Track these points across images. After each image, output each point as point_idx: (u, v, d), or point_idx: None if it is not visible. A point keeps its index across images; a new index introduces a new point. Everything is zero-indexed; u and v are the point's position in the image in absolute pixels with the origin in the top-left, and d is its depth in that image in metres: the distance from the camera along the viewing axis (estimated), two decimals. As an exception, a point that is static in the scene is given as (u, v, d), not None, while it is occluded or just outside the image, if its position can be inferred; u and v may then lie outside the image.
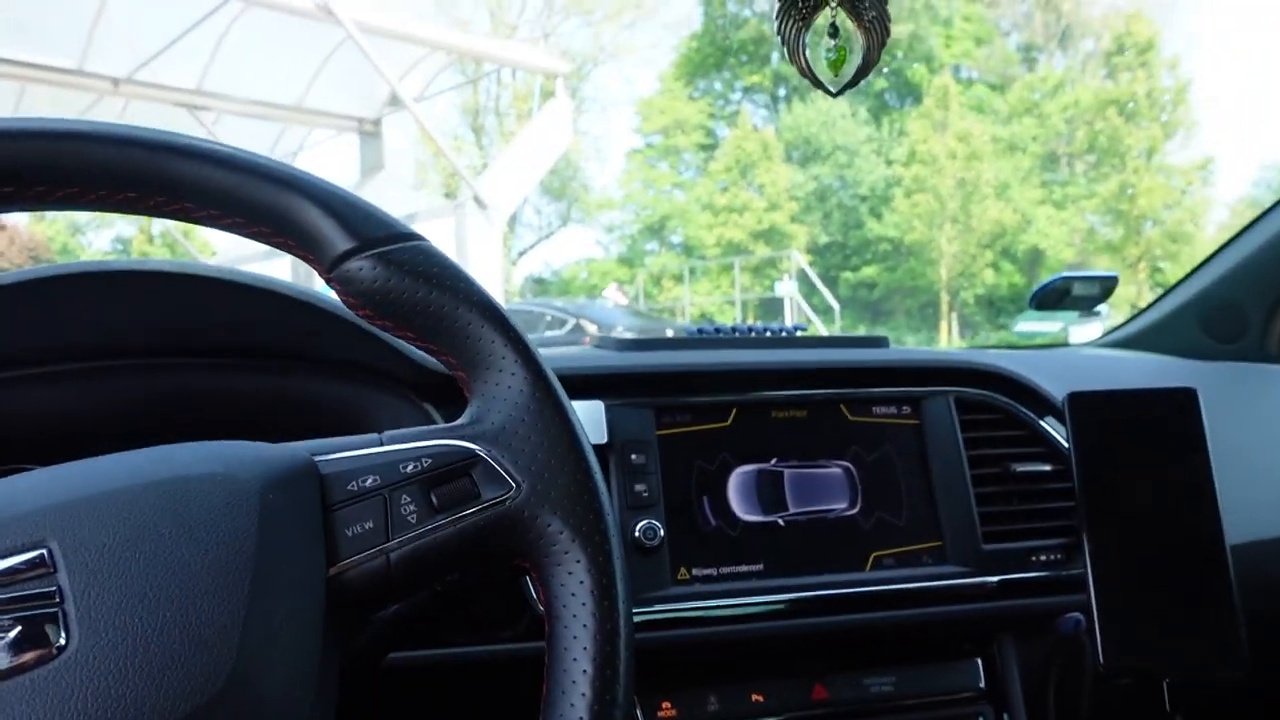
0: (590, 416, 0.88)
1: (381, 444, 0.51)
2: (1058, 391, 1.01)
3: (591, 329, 10.04)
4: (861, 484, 0.94)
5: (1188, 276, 1.48)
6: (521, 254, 27.68)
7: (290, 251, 0.51)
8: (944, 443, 0.97)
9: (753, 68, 26.72)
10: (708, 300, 21.26)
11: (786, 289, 14.91)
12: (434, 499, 0.49)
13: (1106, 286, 1.50)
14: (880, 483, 0.95)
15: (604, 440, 0.88)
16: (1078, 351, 1.48)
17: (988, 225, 20.97)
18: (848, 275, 23.61)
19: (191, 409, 0.84)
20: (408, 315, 0.52)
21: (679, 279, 20.15)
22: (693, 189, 25.50)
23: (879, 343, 1.09)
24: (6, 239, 22.34)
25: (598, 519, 0.51)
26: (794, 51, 0.73)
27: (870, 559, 0.93)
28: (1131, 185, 20.46)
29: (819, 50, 0.76)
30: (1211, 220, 22.48)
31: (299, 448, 0.49)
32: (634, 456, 0.89)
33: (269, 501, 0.44)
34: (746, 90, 27.41)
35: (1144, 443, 0.92)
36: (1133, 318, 1.57)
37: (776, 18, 0.72)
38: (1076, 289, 1.49)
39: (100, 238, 28.63)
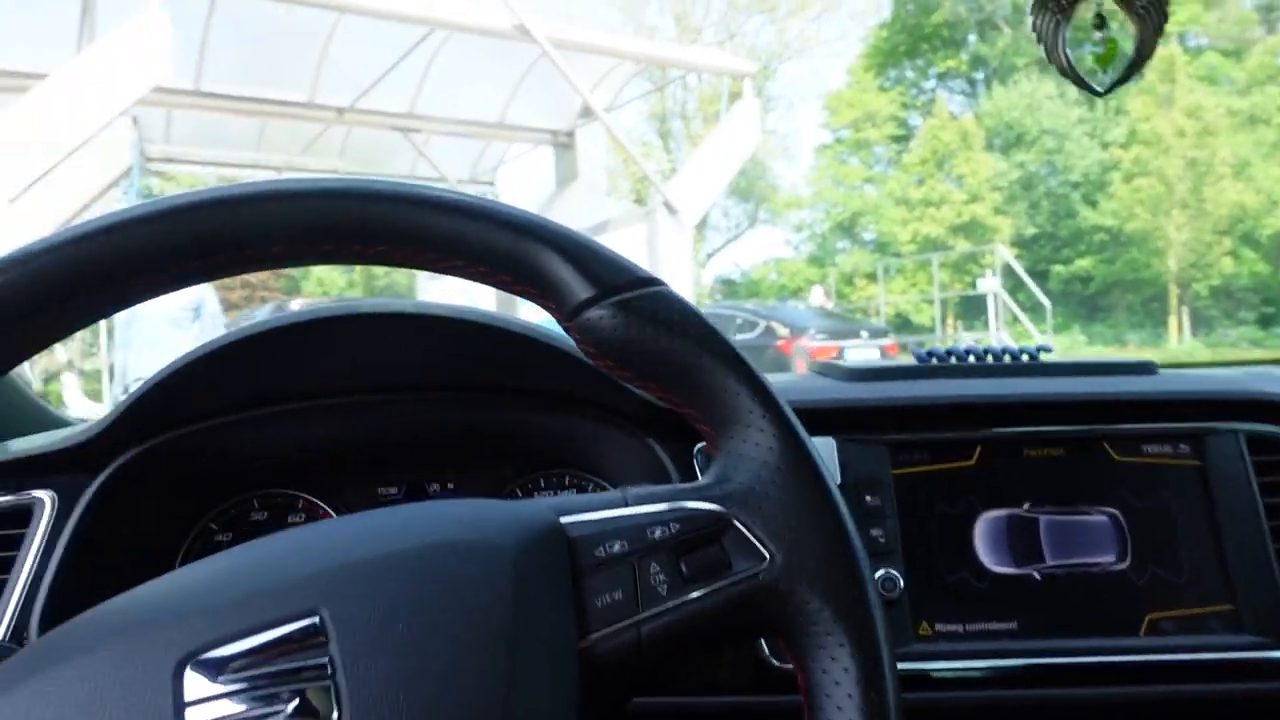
0: (824, 454, 0.82)
1: (626, 503, 0.49)
2: None
3: (783, 331, 9.90)
4: (1132, 534, 0.81)
5: None
6: (710, 256, 27.82)
7: (530, 299, 0.50)
8: (1234, 488, 0.82)
9: (947, 53, 25.44)
10: (903, 299, 20.43)
11: (989, 285, 14.03)
12: (684, 568, 0.47)
13: None
14: (1155, 533, 0.82)
15: (837, 480, 0.80)
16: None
17: (1225, 209, 18.81)
18: (1059, 269, 21.94)
19: (442, 441, 0.88)
20: (649, 365, 0.49)
21: (872, 278, 19.50)
22: (885, 183, 24.61)
23: (1146, 369, 0.94)
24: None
25: (861, 594, 0.46)
26: (1052, 49, 0.64)
27: (1145, 622, 0.80)
28: None
29: (1082, 45, 0.67)
30: None
31: (544, 507, 0.48)
32: (868, 498, 0.81)
33: (523, 568, 0.43)
34: (941, 77, 26.15)
35: None
36: None
37: (1032, 11, 0.63)
38: None
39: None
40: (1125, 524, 0.82)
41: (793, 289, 25.02)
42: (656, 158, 24.52)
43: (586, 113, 8.80)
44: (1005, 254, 14.87)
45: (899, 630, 0.79)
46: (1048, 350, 1.00)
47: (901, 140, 25.17)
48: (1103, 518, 0.82)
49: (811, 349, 9.31)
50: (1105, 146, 21.82)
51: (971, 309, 17.98)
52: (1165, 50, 20.14)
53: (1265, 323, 20.14)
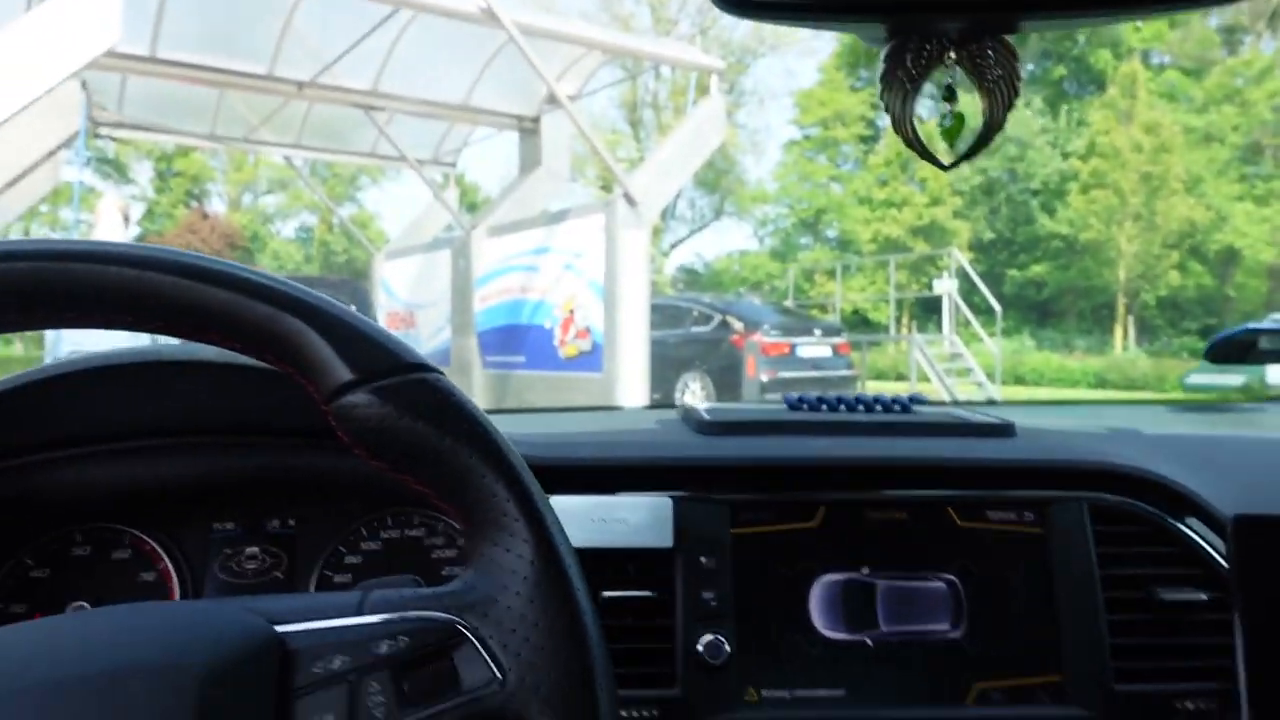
0: (656, 515, 0.79)
1: (361, 610, 0.45)
2: (1226, 494, 0.84)
3: (738, 326, 9.96)
4: (969, 602, 0.80)
5: None
6: (674, 246, 27.86)
7: (290, 378, 0.47)
8: (1074, 557, 0.81)
9: (918, 56, 25.63)
10: (861, 297, 20.64)
11: (945, 287, 14.21)
12: (406, 687, 0.42)
13: None
14: (992, 602, 0.80)
15: (669, 545, 0.79)
16: (1262, 417, 1.30)
17: (1175, 223, 19.28)
18: (1014, 273, 22.34)
19: (282, 478, 0.85)
20: (406, 457, 0.46)
21: (832, 275, 19.65)
22: (850, 182, 24.80)
23: (1004, 431, 0.92)
24: (209, 227, 24.61)
25: None
26: (900, 120, 0.65)
27: (973, 692, 0.78)
28: (1350, 180, 18.30)
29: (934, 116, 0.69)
30: None
31: (262, 614, 0.43)
32: (703, 559, 0.79)
33: (213, 694, 0.38)
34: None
35: None
36: None
37: (880, 80, 0.64)
38: (1264, 343, 1.26)
39: (286, 227, 31.03)
40: (963, 591, 0.80)
41: (754, 282, 25.15)
42: (626, 146, 24.46)
43: (553, 99, 8.75)
44: (961, 258, 15.07)
45: (724, 696, 0.77)
46: (921, 400, 1.02)
47: (869, 141, 25.38)
48: (940, 584, 0.80)
49: (764, 344, 9.39)
50: (1066, 157, 22.23)
51: (926, 310, 18.23)
52: (1129, 66, 20.51)
53: (1207, 334, 20.67)
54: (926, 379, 12.34)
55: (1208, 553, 0.83)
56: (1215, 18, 23.07)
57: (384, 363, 0.47)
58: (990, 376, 12.86)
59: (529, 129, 10.85)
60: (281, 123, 10.60)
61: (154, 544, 0.83)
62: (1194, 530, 0.84)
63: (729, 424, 0.91)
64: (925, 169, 22.86)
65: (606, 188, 18.01)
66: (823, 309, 18.49)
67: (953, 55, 0.61)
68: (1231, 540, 0.78)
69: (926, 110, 0.63)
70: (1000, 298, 16.76)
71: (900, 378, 14.09)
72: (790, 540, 0.81)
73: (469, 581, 0.46)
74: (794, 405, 1.01)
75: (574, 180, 21.63)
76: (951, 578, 0.81)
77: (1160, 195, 19.20)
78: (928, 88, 0.66)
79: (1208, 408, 1.38)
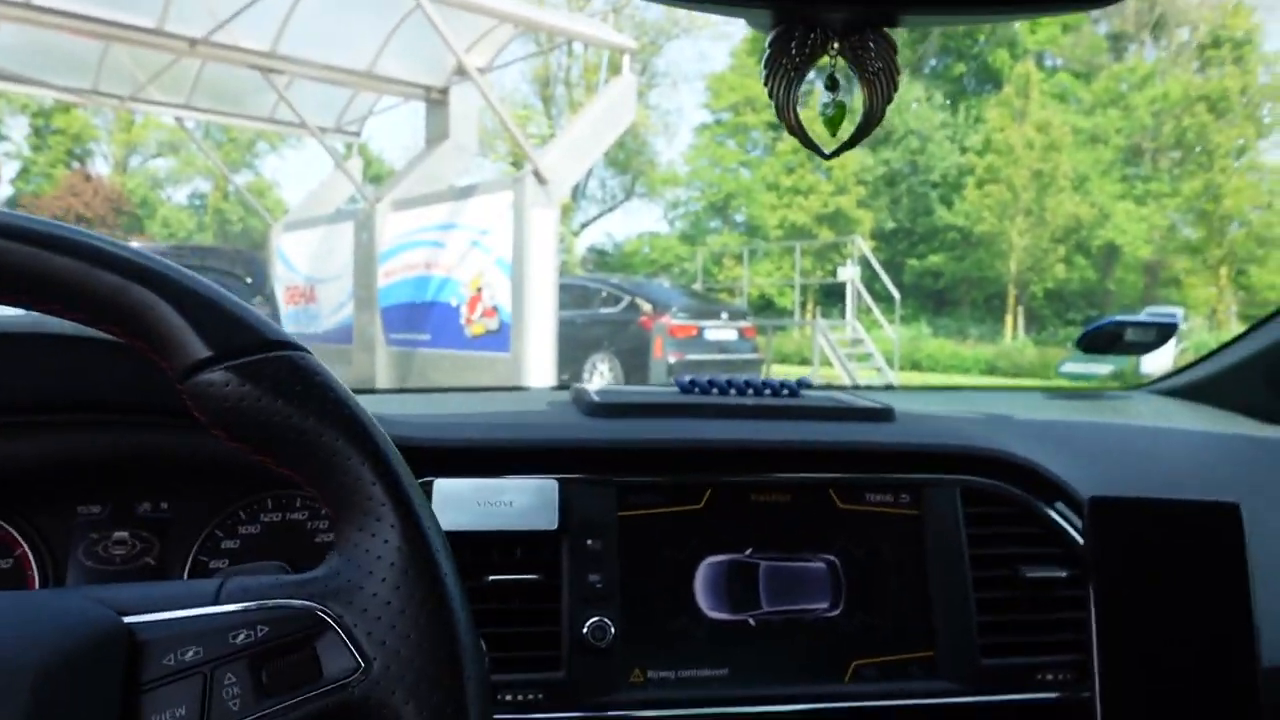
0: (542, 497, 0.79)
1: (217, 598, 0.42)
2: (1086, 477, 0.89)
3: (647, 308, 10.00)
4: (847, 581, 0.83)
5: (1261, 324, 1.36)
6: (584, 226, 27.72)
7: (142, 353, 0.45)
8: (945, 538, 0.85)
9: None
10: (767, 281, 20.99)
11: (848, 274, 14.62)
12: (265, 678, 0.41)
13: (1164, 332, 1.37)
14: (869, 581, 0.84)
15: (554, 526, 0.79)
16: (1127, 404, 1.38)
17: (1062, 219, 20.27)
18: (913, 263, 23.10)
19: (156, 458, 0.81)
20: (267, 438, 0.44)
21: (740, 259, 19.93)
22: (759, 168, 25.14)
23: (884, 415, 0.96)
24: (92, 190, 23.20)
25: (462, 716, 0.42)
26: (783, 106, 0.65)
27: (850, 668, 0.81)
28: (1218, 184, 19.54)
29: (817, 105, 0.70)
30: (1304, 223, 21.42)
31: (109, 604, 0.41)
32: (590, 542, 0.79)
33: (46, 691, 0.36)
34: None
35: (1175, 559, 0.81)
36: (1198, 361, 1.46)
37: (764, 66, 0.65)
38: (1130, 334, 1.36)
39: (179, 193, 29.53)
40: (842, 571, 0.83)
41: (664, 264, 25.28)
42: (537, 122, 24.15)
43: (462, 70, 8.56)
44: (863, 246, 15.50)
45: (610, 678, 0.77)
46: (808, 385, 1.05)
47: (778, 128, 25.50)
48: (821, 565, 0.83)
49: (672, 327, 9.46)
50: (963, 151, 23.06)
51: (830, 296, 18.69)
52: (1023, 67, 21.37)
53: (1088, 324, 21.83)
54: (829, 364, 12.67)
55: (1068, 533, 0.88)
56: (1104, 25, 24.28)
57: (243, 339, 0.45)
58: (889, 362, 13.29)
59: (437, 100, 10.59)
60: (172, 81, 10.05)
61: (9, 529, 0.79)
62: (1057, 512, 0.89)
63: (618, 406, 0.92)
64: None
65: (516, 164, 17.78)
66: (730, 293, 18.74)
67: (835, 45, 0.63)
68: (1087, 520, 0.83)
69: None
70: (900, 286, 17.31)
71: (804, 362, 14.43)
72: (676, 522, 0.82)
73: (334, 567, 0.44)
74: (685, 388, 1.03)
75: (483, 155, 21.31)
76: (831, 558, 0.83)
77: (1049, 192, 20.13)
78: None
79: (1079, 395, 1.45)
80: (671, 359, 9.07)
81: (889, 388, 12.52)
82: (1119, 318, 1.42)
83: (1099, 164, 21.74)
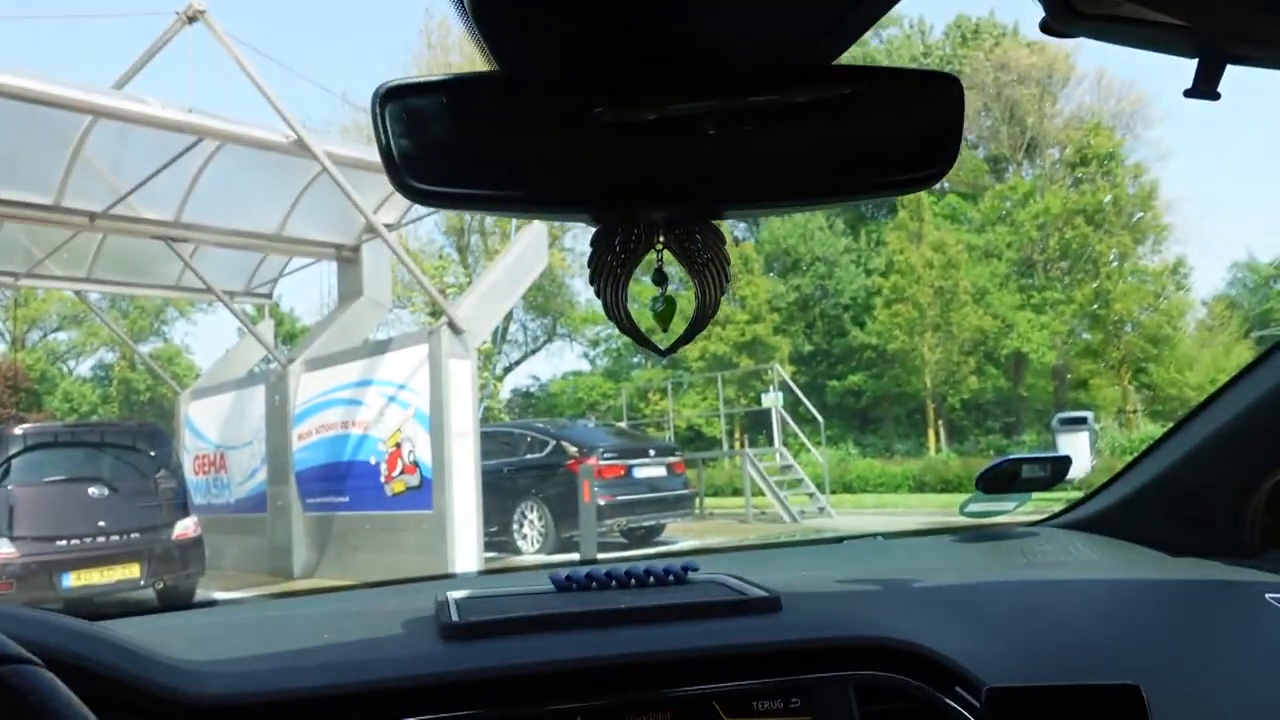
0: None
1: None
2: (986, 655, 0.83)
3: (573, 450, 9.87)
4: None
5: (1152, 450, 1.35)
6: (507, 370, 27.75)
7: None
8: None
9: (732, 183, 27.44)
10: (693, 413, 21.14)
11: (770, 400, 14.86)
12: None
13: (1058, 469, 1.37)
14: None
15: None
16: (1033, 544, 1.33)
17: (968, 332, 21.17)
18: (834, 384, 23.65)
19: None
20: None
21: (664, 393, 20.10)
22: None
23: (769, 606, 0.88)
24: (-14, 369, 22.30)
25: None
26: (611, 306, 0.60)
27: None
28: (1107, 290, 20.78)
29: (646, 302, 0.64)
30: (1191, 319, 22.83)
31: None
32: None
33: None
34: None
35: None
36: (1101, 489, 1.44)
37: (589, 266, 0.59)
38: (1026, 471, 1.37)
39: (82, 365, 28.64)
40: None
41: (590, 402, 25.30)
42: (454, 271, 24.46)
43: (373, 228, 8.62)
44: (782, 372, 15.80)
45: None
46: (694, 569, 0.97)
47: (691, 262, 26.59)
48: None
49: (600, 468, 9.32)
50: (869, 274, 24.12)
51: (757, 423, 18.87)
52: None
53: (1008, 431, 22.54)
54: (760, 493, 12.62)
55: None
56: (981, 149, 26.18)
57: None
58: (819, 486, 13.32)
59: (348, 258, 10.60)
60: (72, 255, 9.86)
61: None
62: (957, 700, 0.82)
63: (476, 626, 0.83)
64: (744, 287, 24.05)
65: (434, 314, 17.83)
66: (658, 426, 18.76)
67: (660, 240, 0.57)
68: (986, 713, 0.77)
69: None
70: (823, 408, 17.62)
71: (736, 492, 14.36)
72: None
73: None
74: (561, 585, 0.95)
75: (400, 307, 21.35)
76: None
77: (953, 307, 21.08)
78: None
79: (987, 535, 1.43)
80: (601, 501, 8.89)
81: (822, 511, 12.49)
82: (1014, 455, 1.44)
83: (995, 277, 22.97)
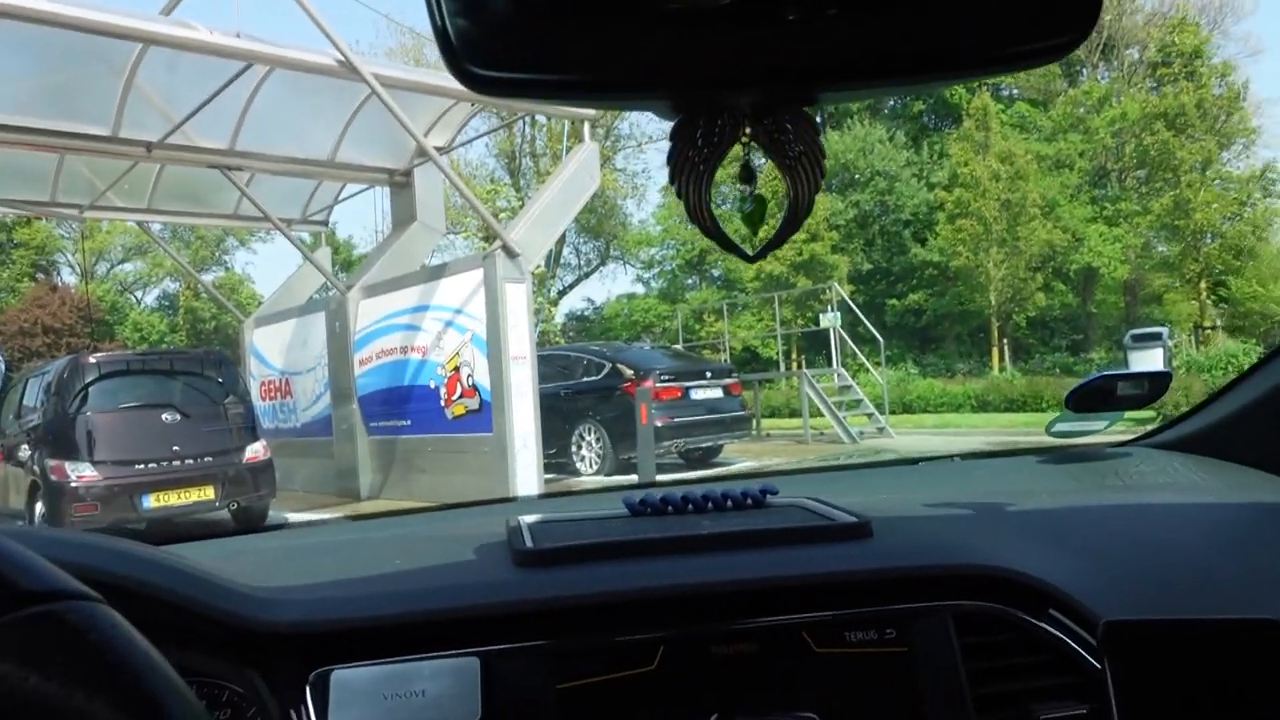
0: (461, 681, 0.67)
1: None
2: (1095, 585, 0.76)
3: (629, 373, 9.87)
4: None
5: (1258, 368, 1.23)
6: (562, 293, 27.79)
7: None
8: (942, 678, 0.73)
9: (788, 97, 26.65)
10: (749, 334, 20.99)
11: (829, 321, 14.63)
12: None
13: (1157, 386, 1.25)
14: None
15: (476, 717, 0.66)
16: (1127, 466, 1.23)
17: (1036, 247, 20.41)
18: (894, 303, 23.18)
19: None
20: None
21: (720, 314, 19.95)
22: (730, 222, 25.24)
23: (859, 532, 0.82)
24: (59, 300, 23.09)
25: None
26: (694, 208, 0.53)
27: None
28: (1187, 199, 19.76)
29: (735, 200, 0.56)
30: (1277, 230, 21.68)
31: None
32: None
33: None
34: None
35: (1209, 686, 0.69)
36: (1195, 410, 1.33)
37: (669, 163, 0.50)
38: (1121, 388, 1.26)
39: (149, 296, 29.48)
40: None
41: (645, 325, 25.29)
42: (506, 195, 24.34)
43: (424, 152, 8.53)
44: (841, 291, 15.52)
45: None
46: (773, 492, 0.91)
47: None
48: None
49: (657, 390, 9.31)
50: (931, 188, 23.34)
51: (815, 343, 18.65)
52: (980, 99, 21.75)
53: (1075, 349, 21.94)
54: (819, 413, 12.52)
55: (1083, 658, 0.75)
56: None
57: None
58: (879, 407, 13.17)
59: (401, 183, 10.58)
60: (132, 187, 9.99)
61: None
62: (1067, 634, 0.76)
63: (551, 553, 0.78)
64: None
65: (488, 238, 17.82)
66: (714, 349, 18.68)
67: (747, 132, 0.49)
68: (1104, 650, 0.72)
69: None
70: (882, 327, 17.30)
71: (794, 414, 14.29)
72: (627, 690, 0.70)
73: None
74: (635, 509, 0.91)
75: (453, 233, 21.39)
76: (812, 716, 0.71)
77: (1020, 221, 20.31)
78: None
79: (1074, 456, 1.34)
80: (659, 423, 8.89)
81: (881, 431, 12.39)
82: (1108, 372, 1.33)
83: (1066, 189, 22.03)
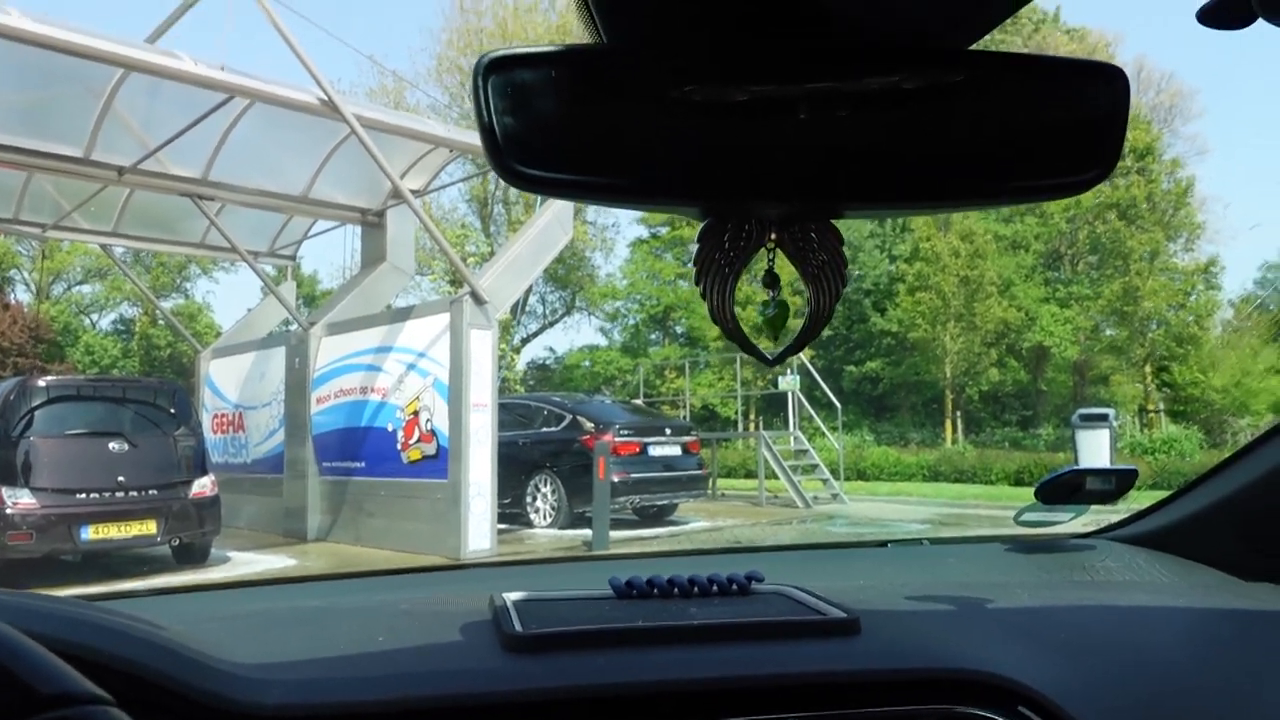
0: None
1: None
2: (1083, 692, 0.77)
3: (589, 426, 9.85)
4: None
5: (1223, 468, 1.28)
6: (525, 341, 27.72)
7: None
8: None
9: (758, 163, 27.20)
10: (710, 392, 21.09)
11: (788, 384, 14.77)
12: None
13: (1123, 482, 1.30)
14: None
15: None
16: (1095, 559, 1.26)
17: (992, 323, 20.94)
18: (852, 369, 23.50)
19: None
20: None
21: (681, 371, 20.05)
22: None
23: (848, 629, 0.83)
24: (9, 319, 22.45)
25: None
26: (717, 309, 0.55)
27: None
28: (1136, 287, 20.47)
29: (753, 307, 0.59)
30: (1217, 320, 22.51)
31: None
32: None
33: None
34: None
35: None
36: (1160, 505, 1.37)
37: (695, 263, 0.54)
38: (1090, 484, 1.30)
39: (104, 319, 28.82)
40: None
41: (606, 377, 25.29)
42: (476, 240, 24.38)
43: (399, 193, 8.56)
44: (801, 356, 15.70)
45: None
46: (758, 578, 0.92)
47: (714, 240, 26.39)
48: None
49: (616, 445, 9.30)
50: (893, 260, 23.87)
51: (773, 405, 18.80)
52: (943, 178, 22.51)
53: (1024, 425, 22.37)
54: (774, 476, 12.58)
55: None
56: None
57: (7, 698, 0.34)
58: (834, 473, 13.26)
59: (373, 223, 10.57)
60: (98, 209, 9.88)
61: None
62: None
63: (541, 638, 0.77)
64: (763, 266, 24.19)
65: (455, 283, 17.79)
66: (674, 405, 18.73)
67: (773, 238, 0.52)
68: None
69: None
70: (839, 393, 17.52)
71: (749, 474, 14.33)
72: None
73: None
74: (621, 591, 0.90)
75: (422, 275, 21.32)
76: None
77: (978, 297, 20.84)
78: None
79: (1040, 546, 1.37)
80: (615, 478, 8.86)
81: (835, 497, 12.43)
82: (1077, 467, 1.37)
83: (1022, 269, 22.68)
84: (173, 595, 1.10)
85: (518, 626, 0.78)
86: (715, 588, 0.88)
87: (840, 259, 0.54)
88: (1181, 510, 1.29)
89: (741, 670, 0.75)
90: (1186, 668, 0.86)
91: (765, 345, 0.55)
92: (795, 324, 0.55)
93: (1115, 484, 1.29)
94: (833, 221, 0.54)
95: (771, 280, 0.55)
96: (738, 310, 0.54)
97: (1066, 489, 1.32)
